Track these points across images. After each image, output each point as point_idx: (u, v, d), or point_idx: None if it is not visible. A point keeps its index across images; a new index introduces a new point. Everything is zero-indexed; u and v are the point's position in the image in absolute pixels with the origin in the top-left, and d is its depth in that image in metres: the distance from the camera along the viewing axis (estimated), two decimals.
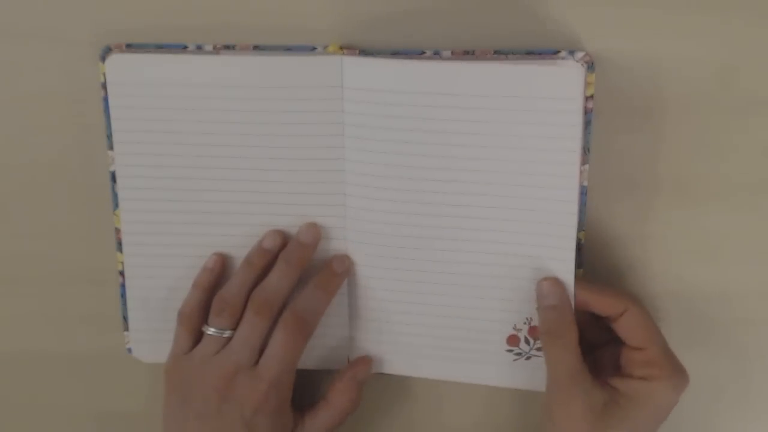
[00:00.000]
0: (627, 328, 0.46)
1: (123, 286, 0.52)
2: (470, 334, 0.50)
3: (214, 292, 0.49)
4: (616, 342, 0.47)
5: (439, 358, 0.51)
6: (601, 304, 0.46)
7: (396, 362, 0.52)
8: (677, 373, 0.46)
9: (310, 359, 0.52)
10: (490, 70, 0.45)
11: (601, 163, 0.49)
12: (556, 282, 0.47)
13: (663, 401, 0.46)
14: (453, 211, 0.48)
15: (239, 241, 0.50)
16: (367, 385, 0.52)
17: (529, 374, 0.50)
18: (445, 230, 0.48)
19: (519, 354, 0.49)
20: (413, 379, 0.53)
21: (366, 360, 0.51)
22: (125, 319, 0.53)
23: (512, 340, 0.49)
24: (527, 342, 0.49)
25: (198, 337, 0.49)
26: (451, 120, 0.46)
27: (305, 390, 0.53)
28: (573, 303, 0.47)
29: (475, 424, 0.54)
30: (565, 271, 0.47)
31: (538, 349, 0.49)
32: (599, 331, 0.48)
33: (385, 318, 0.51)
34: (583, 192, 0.49)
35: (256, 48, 0.49)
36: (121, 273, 0.52)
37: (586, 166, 0.48)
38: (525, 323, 0.49)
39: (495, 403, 0.53)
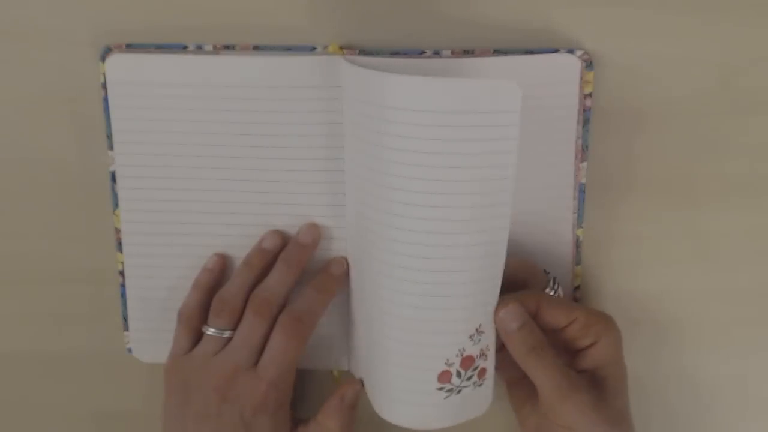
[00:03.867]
0: (549, 315, 0.46)
1: (123, 286, 0.52)
2: (404, 371, 0.46)
3: (214, 293, 0.49)
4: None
5: (383, 393, 0.48)
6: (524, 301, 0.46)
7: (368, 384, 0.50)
8: (609, 320, 0.47)
9: (310, 359, 0.51)
10: (480, 86, 0.41)
11: (599, 161, 0.49)
12: (513, 305, 0.45)
13: (618, 350, 0.47)
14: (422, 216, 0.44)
15: (239, 241, 0.50)
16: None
17: (459, 408, 0.47)
18: (408, 244, 0.44)
19: (450, 391, 0.46)
20: None
21: (354, 382, 0.50)
22: (125, 319, 0.53)
23: (444, 377, 0.46)
24: (459, 375, 0.46)
25: (198, 337, 0.49)
26: (431, 139, 0.42)
27: (306, 390, 0.53)
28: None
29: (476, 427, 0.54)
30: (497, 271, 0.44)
31: (469, 378, 0.46)
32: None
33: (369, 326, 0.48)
34: (582, 190, 0.49)
35: (256, 48, 0.49)
36: (121, 273, 0.52)
37: (585, 164, 0.49)
38: (458, 355, 0.45)
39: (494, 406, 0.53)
